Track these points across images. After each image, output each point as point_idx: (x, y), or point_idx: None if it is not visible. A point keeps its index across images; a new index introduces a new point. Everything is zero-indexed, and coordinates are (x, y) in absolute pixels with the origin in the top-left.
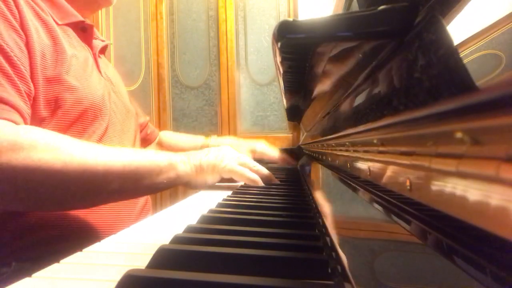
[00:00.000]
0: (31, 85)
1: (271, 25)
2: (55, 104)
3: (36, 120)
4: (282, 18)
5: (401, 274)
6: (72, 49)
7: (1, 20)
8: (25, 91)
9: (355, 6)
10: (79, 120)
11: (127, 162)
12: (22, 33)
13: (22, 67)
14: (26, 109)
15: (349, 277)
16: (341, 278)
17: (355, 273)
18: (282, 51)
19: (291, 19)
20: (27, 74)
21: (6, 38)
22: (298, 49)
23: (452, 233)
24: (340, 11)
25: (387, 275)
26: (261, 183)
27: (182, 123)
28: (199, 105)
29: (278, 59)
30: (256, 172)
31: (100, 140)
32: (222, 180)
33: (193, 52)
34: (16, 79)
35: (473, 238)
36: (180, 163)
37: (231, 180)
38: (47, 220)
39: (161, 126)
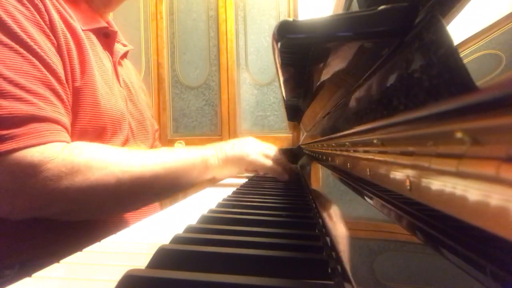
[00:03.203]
0: (70, 94)
1: (271, 25)
2: (73, 120)
3: None
4: (282, 18)
5: (401, 274)
6: (96, 57)
7: (36, 28)
8: (68, 103)
9: (355, 6)
10: (97, 137)
11: (168, 164)
12: (54, 39)
13: (63, 77)
14: (69, 124)
15: (349, 277)
16: (341, 278)
17: (355, 273)
18: (282, 51)
19: (291, 19)
20: (65, 83)
21: (44, 47)
22: (298, 49)
23: (452, 233)
24: (340, 11)
25: (387, 275)
26: (284, 175)
27: (182, 123)
28: (199, 105)
29: (278, 59)
30: (280, 165)
31: None
32: (247, 171)
33: (193, 52)
34: (62, 93)
35: (473, 238)
36: (210, 157)
37: (255, 172)
38: (52, 223)
39: (161, 126)
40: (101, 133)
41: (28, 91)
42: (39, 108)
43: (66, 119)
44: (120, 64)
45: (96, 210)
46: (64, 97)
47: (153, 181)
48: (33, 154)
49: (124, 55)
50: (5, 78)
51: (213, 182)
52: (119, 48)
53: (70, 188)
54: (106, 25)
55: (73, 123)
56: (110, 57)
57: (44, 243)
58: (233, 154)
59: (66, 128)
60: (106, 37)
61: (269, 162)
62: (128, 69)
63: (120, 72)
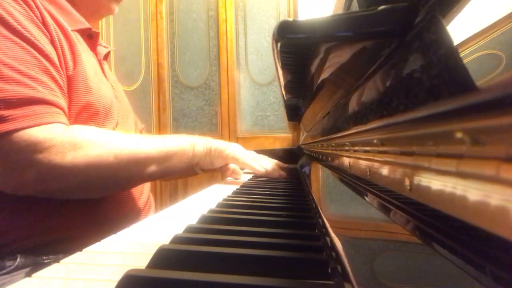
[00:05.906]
0: (65, 81)
1: (271, 25)
2: (68, 107)
3: None
4: (282, 18)
5: (401, 274)
6: (84, 53)
7: (30, 22)
8: (64, 89)
9: (355, 6)
10: (90, 123)
11: (160, 147)
12: (47, 33)
13: (58, 64)
14: (66, 108)
15: (350, 277)
16: (341, 278)
17: (355, 273)
18: (282, 51)
19: (291, 19)
20: (61, 70)
21: (39, 38)
22: (298, 49)
23: (452, 233)
24: (340, 11)
25: (387, 275)
26: (261, 172)
27: (182, 123)
28: (199, 105)
29: (278, 59)
30: (258, 163)
31: None
32: (229, 170)
33: (193, 52)
34: (58, 79)
35: (473, 238)
36: (197, 144)
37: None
38: (51, 220)
39: (161, 126)
40: (93, 120)
41: (27, 76)
42: (38, 92)
43: (63, 103)
44: (103, 63)
45: (95, 187)
46: (61, 82)
47: (146, 160)
48: (37, 132)
49: (106, 57)
50: (6, 65)
51: (199, 169)
52: (100, 49)
53: (73, 162)
54: (89, 26)
55: (67, 110)
56: (95, 56)
57: (44, 241)
58: (216, 146)
59: (64, 111)
60: (90, 38)
61: (246, 158)
62: (108, 70)
63: (105, 70)
